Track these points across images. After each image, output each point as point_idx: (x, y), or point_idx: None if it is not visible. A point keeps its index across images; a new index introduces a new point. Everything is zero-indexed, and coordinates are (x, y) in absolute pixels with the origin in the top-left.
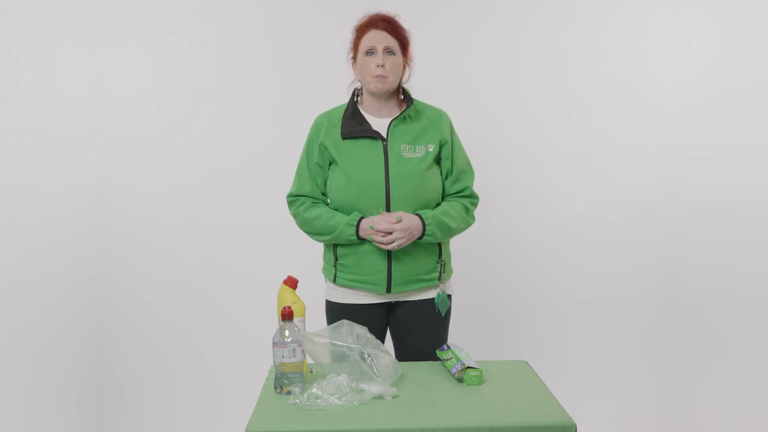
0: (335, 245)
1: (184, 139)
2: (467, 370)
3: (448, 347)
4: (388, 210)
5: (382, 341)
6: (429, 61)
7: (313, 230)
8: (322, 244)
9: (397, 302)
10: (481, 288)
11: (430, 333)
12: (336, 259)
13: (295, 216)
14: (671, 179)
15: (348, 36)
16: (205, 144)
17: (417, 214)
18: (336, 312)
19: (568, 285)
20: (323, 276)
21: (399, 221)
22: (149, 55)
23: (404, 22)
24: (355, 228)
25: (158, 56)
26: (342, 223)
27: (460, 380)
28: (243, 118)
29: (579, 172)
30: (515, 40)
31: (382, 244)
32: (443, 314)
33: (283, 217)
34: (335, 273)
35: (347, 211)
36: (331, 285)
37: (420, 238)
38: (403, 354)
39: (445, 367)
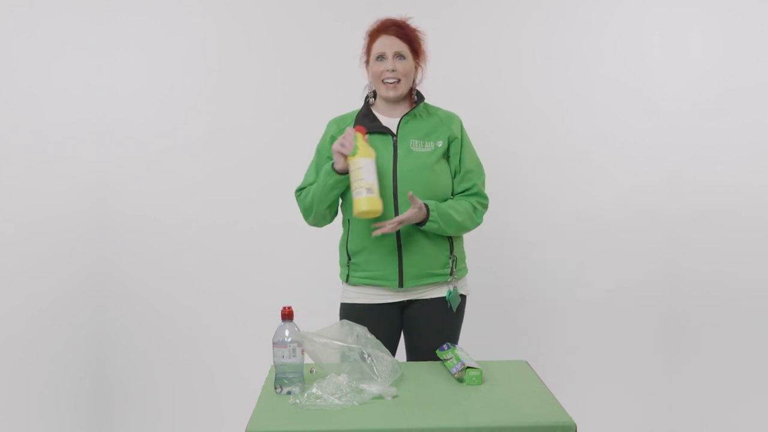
0: (347, 245)
1: (185, 139)
2: (467, 370)
3: (449, 347)
4: (395, 203)
5: (396, 341)
6: (429, 61)
7: (311, 204)
8: (336, 250)
9: (410, 301)
10: (480, 288)
11: (443, 331)
12: (349, 259)
13: (300, 206)
14: (671, 179)
15: (347, 35)
16: (205, 144)
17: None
18: (349, 313)
19: (568, 284)
20: (340, 281)
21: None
22: (149, 55)
23: (413, 23)
24: (331, 164)
25: (158, 56)
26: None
27: (460, 380)
28: (243, 118)
29: (579, 172)
30: (515, 40)
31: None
32: (454, 310)
33: (284, 217)
34: (348, 273)
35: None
36: (346, 287)
37: (422, 223)
38: (415, 353)
39: (445, 367)
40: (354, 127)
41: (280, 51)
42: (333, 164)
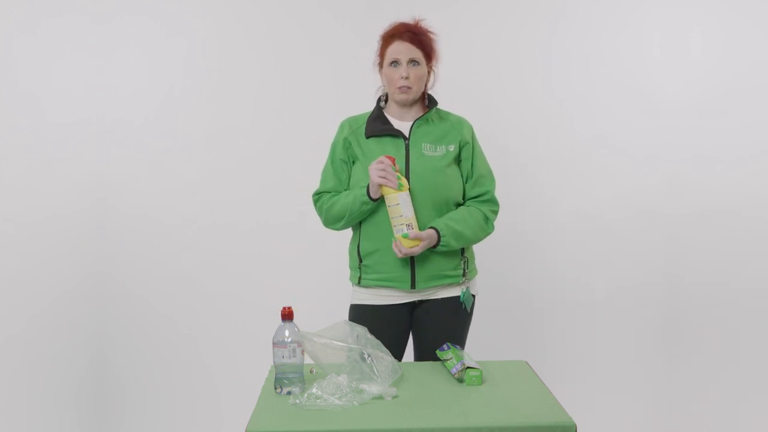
0: (358, 247)
1: (185, 139)
2: (467, 370)
3: (449, 347)
4: None
5: (405, 341)
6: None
7: (334, 215)
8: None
9: (420, 301)
10: (480, 288)
11: (453, 331)
12: (360, 261)
13: (319, 211)
14: (671, 179)
15: (347, 35)
16: (205, 144)
17: (432, 227)
18: (360, 314)
19: (568, 284)
20: (350, 283)
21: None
22: (149, 55)
23: (426, 24)
24: (365, 188)
25: (158, 56)
26: (353, 191)
27: (460, 380)
28: (243, 118)
29: (579, 172)
30: (515, 40)
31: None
32: (469, 310)
33: (284, 217)
34: (360, 275)
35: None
36: (357, 288)
37: (434, 246)
38: (424, 353)
39: (445, 367)
40: (385, 155)
41: (280, 51)
42: (368, 192)
